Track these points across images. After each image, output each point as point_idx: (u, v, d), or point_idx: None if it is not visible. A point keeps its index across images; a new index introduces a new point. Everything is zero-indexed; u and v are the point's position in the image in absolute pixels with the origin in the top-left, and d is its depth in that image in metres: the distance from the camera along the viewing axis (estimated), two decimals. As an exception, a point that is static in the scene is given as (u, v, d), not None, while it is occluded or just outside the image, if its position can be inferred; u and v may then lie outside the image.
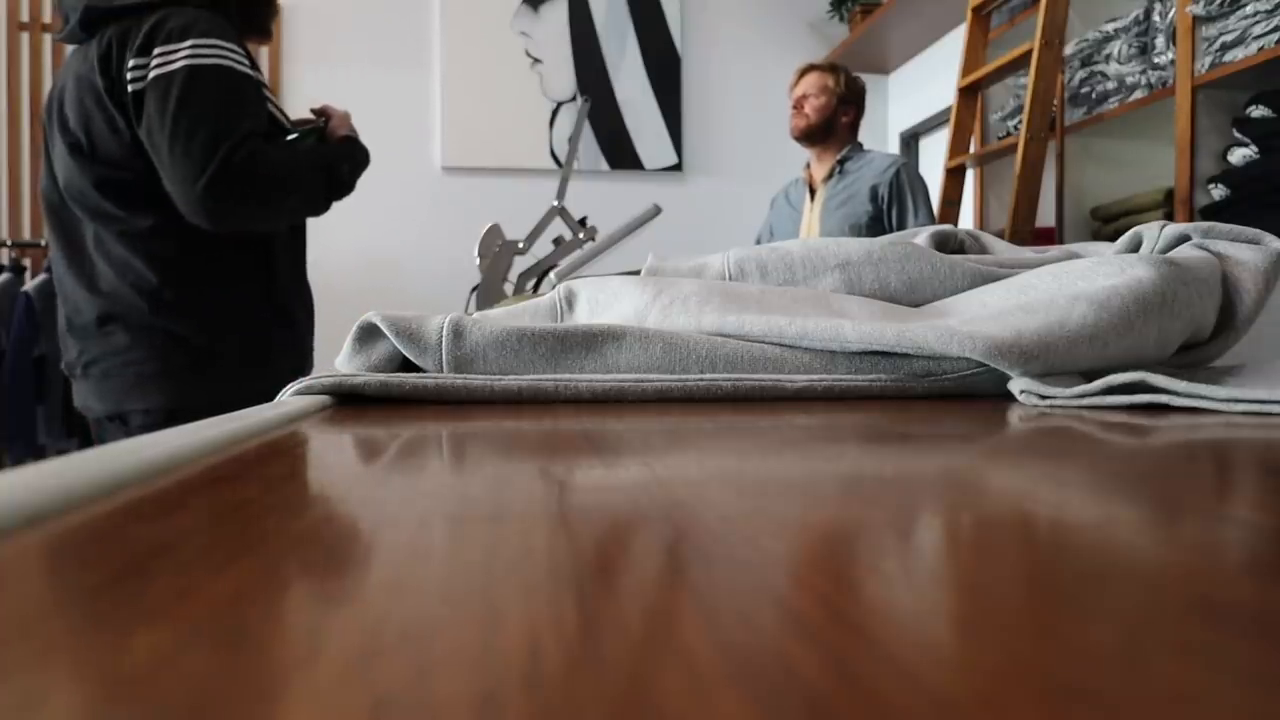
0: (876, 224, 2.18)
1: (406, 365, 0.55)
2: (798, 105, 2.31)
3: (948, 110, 2.67)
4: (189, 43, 1.28)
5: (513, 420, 0.40)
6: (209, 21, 1.31)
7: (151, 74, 1.27)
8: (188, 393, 1.34)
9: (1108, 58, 2.16)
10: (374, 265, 3.14)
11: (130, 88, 1.28)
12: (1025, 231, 2.04)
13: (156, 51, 1.27)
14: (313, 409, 0.43)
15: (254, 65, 1.37)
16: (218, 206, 1.27)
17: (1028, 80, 2.07)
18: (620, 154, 3.44)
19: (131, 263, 1.35)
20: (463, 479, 0.25)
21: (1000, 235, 2.06)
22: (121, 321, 1.36)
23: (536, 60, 3.40)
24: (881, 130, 3.61)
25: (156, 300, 1.35)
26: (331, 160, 1.44)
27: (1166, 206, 2.00)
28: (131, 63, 1.28)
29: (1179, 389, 0.42)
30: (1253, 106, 1.79)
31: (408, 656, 0.11)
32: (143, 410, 1.36)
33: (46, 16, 3.13)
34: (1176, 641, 0.11)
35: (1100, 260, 0.57)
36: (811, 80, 2.30)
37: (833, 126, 2.29)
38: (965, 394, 0.53)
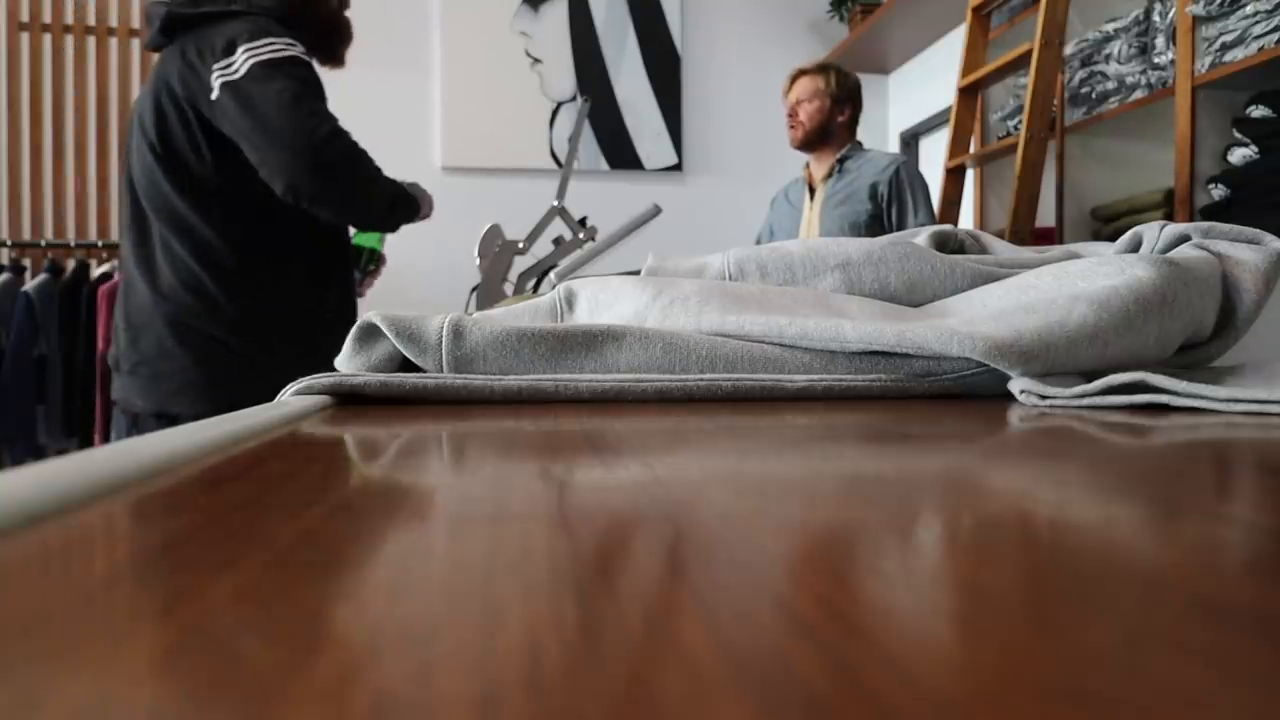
0: (876, 223, 2.18)
1: (406, 365, 0.55)
2: (792, 113, 2.30)
3: (948, 110, 2.67)
4: (270, 39, 1.35)
5: (513, 420, 0.40)
6: (275, 28, 1.39)
7: (244, 68, 1.33)
8: (234, 399, 1.38)
9: (1108, 58, 2.16)
10: (374, 265, 3.14)
11: (214, 91, 1.34)
12: (1025, 231, 2.04)
13: (242, 49, 1.33)
14: (313, 409, 0.43)
15: None
16: (324, 178, 1.33)
17: (1028, 80, 2.07)
18: (620, 154, 3.44)
19: (193, 268, 1.41)
20: (463, 479, 0.25)
21: (1000, 235, 2.06)
22: (176, 325, 1.41)
23: (536, 60, 3.40)
24: (881, 130, 3.61)
25: (212, 307, 1.41)
26: (399, 187, 1.51)
27: (1166, 206, 2.00)
28: (216, 67, 1.34)
29: (1179, 389, 0.42)
30: (1253, 106, 1.79)
31: (408, 656, 0.11)
32: (192, 415, 1.39)
33: (47, 16, 3.13)
34: (1176, 641, 0.11)
35: (1100, 260, 0.57)
36: (803, 85, 2.30)
37: (830, 128, 2.29)
38: (965, 394, 0.53)
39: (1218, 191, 1.84)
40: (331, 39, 1.57)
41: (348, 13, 1.61)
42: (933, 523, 0.19)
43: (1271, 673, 0.10)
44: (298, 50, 1.38)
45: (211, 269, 1.41)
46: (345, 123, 1.43)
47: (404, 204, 1.53)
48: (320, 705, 0.09)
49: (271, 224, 1.45)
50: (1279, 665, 0.10)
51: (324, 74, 1.46)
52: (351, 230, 1.63)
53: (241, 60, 1.33)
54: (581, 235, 2.12)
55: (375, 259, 1.79)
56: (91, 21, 3.16)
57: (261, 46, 1.34)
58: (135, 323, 1.44)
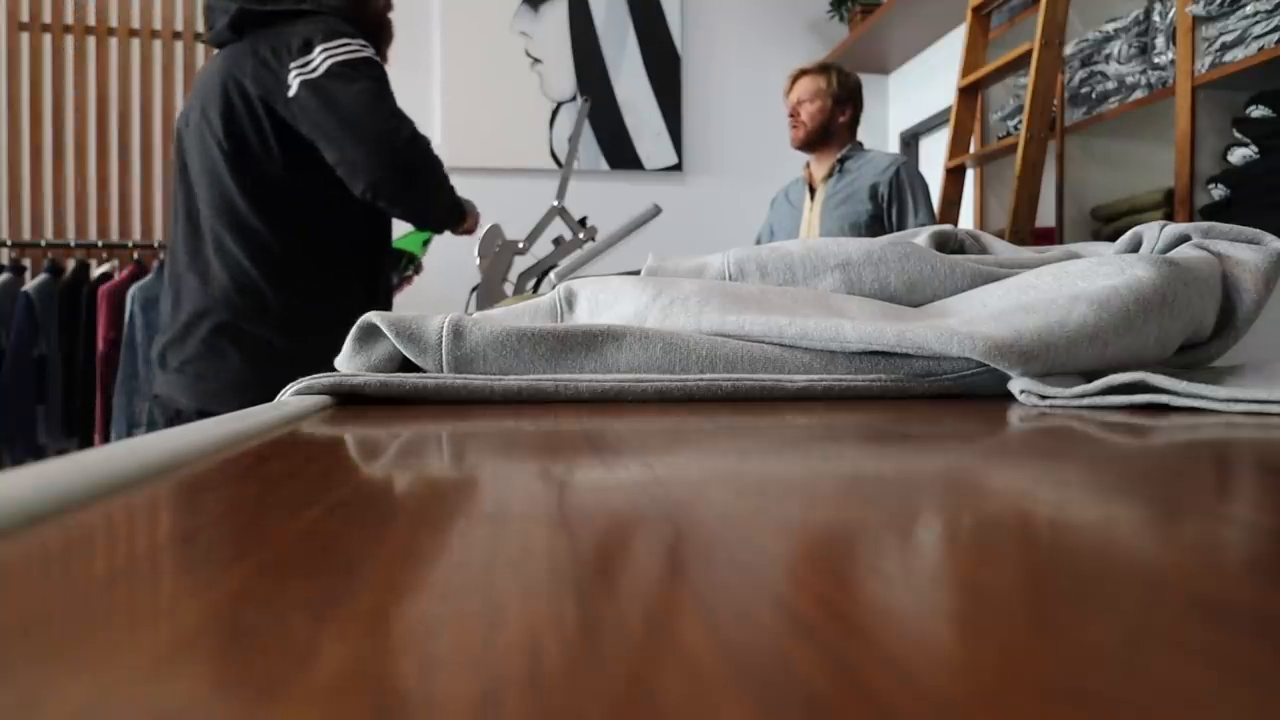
0: (876, 223, 2.18)
1: (406, 365, 0.55)
2: (793, 114, 2.30)
3: (948, 110, 2.66)
4: (345, 39, 1.38)
5: (513, 420, 0.40)
6: (346, 30, 1.41)
7: (322, 67, 1.35)
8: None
9: (1108, 58, 2.16)
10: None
11: (292, 89, 1.36)
12: (1025, 231, 2.04)
13: (320, 48, 1.36)
14: (313, 409, 0.43)
15: None
16: (405, 178, 1.38)
17: (1028, 80, 2.07)
18: (620, 154, 3.44)
19: (246, 268, 1.42)
20: (463, 479, 0.25)
21: (1000, 235, 2.06)
22: (225, 325, 1.42)
23: (536, 60, 3.40)
24: (881, 130, 3.61)
25: (262, 307, 1.42)
26: (456, 194, 1.57)
27: (1166, 206, 2.00)
28: (294, 65, 1.36)
29: (1179, 389, 0.42)
30: (1253, 106, 1.79)
31: (408, 656, 0.11)
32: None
33: (47, 16, 3.13)
34: (1176, 641, 0.11)
35: (1100, 260, 0.57)
36: (804, 85, 2.29)
37: (831, 129, 2.28)
38: (965, 394, 0.53)
39: (1218, 191, 1.84)
40: (379, 38, 1.58)
41: (390, 14, 1.63)
42: (933, 523, 0.19)
43: (1271, 673, 0.10)
44: (370, 51, 1.41)
45: (265, 268, 1.42)
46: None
47: (459, 211, 1.58)
48: (320, 705, 0.09)
49: (328, 226, 1.47)
50: (1279, 665, 0.10)
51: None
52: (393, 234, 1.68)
53: (320, 59, 1.35)
54: (581, 235, 2.11)
55: (413, 264, 1.84)
56: (91, 21, 3.16)
57: (338, 46, 1.37)
58: (184, 320, 1.45)
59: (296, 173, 1.42)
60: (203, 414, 1.41)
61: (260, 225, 1.42)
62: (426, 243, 1.89)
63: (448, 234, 1.73)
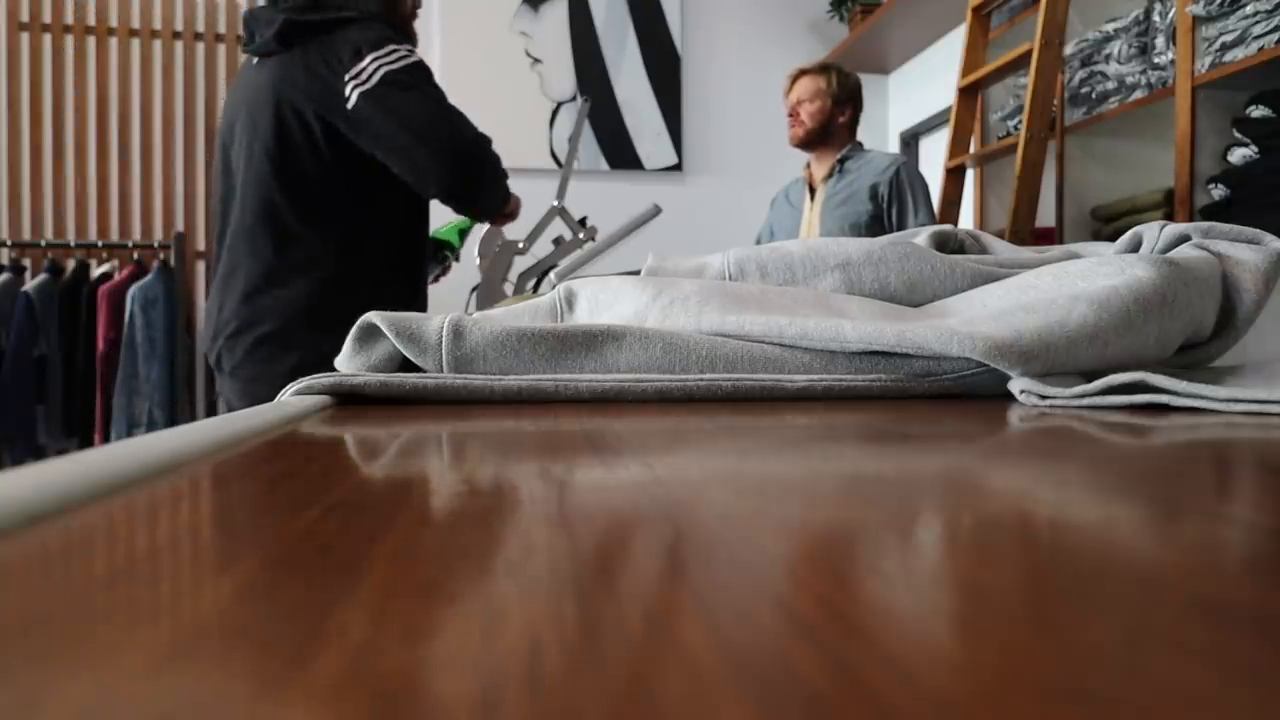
0: (876, 223, 2.18)
1: (406, 365, 0.55)
2: (793, 113, 2.30)
3: (948, 110, 2.66)
4: (393, 46, 1.38)
5: (513, 420, 0.40)
6: (393, 36, 1.42)
7: (376, 76, 1.36)
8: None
9: (1108, 58, 2.16)
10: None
11: (351, 100, 1.36)
12: (1025, 231, 2.04)
13: (370, 57, 1.36)
14: (313, 409, 0.43)
15: None
16: (476, 178, 1.44)
17: (1028, 80, 2.07)
18: (620, 154, 3.44)
19: (290, 276, 1.43)
20: (463, 479, 0.25)
21: (1000, 235, 2.06)
22: (270, 331, 1.43)
23: (536, 60, 3.40)
24: (881, 130, 3.61)
25: (307, 313, 1.43)
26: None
27: (1166, 206, 2.00)
28: (349, 77, 1.36)
29: (1179, 389, 0.42)
30: (1253, 106, 1.79)
31: (408, 656, 0.11)
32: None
33: (47, 16, 3.13)
34: (1176, 641, 0.11)
35: (1100, 260, 0.57)
36: (804, 85, 2.29)
37: (830, 128, 2.28)
38: (965, 394, 0.53)
39: (1218, 191, 1.84)
40: (409, 41, 1.60)
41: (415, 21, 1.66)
42: (933, 523, 0.19)
43: (1271, 673, 0.10)
44: (418, 55, 1.42)
45: (310, 276, 1.43)
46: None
47: (508, 199, 1.60)
48: (320, 705, 0.09)
49: (371, 231, 1.48)
50: (1279, 665, 0.10)
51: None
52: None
53: (371, 69, 1.36)
54: (581, 235, 2.11)
55: (453, 252, 1.88)
56: (91, 21, 3.16)
57: (387, 54, 1.37)
58: (233, 328, 1.46)
59: (344, 183, 1.43)
60: None
61: (304, 234, 1.44)
62: (464, 232, 1.91)
63: (434, 223, 1.75)
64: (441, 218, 1.77)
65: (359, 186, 1.44)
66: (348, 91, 1.36)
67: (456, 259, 1.94)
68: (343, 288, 1.44)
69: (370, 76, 1.36)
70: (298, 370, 1.39)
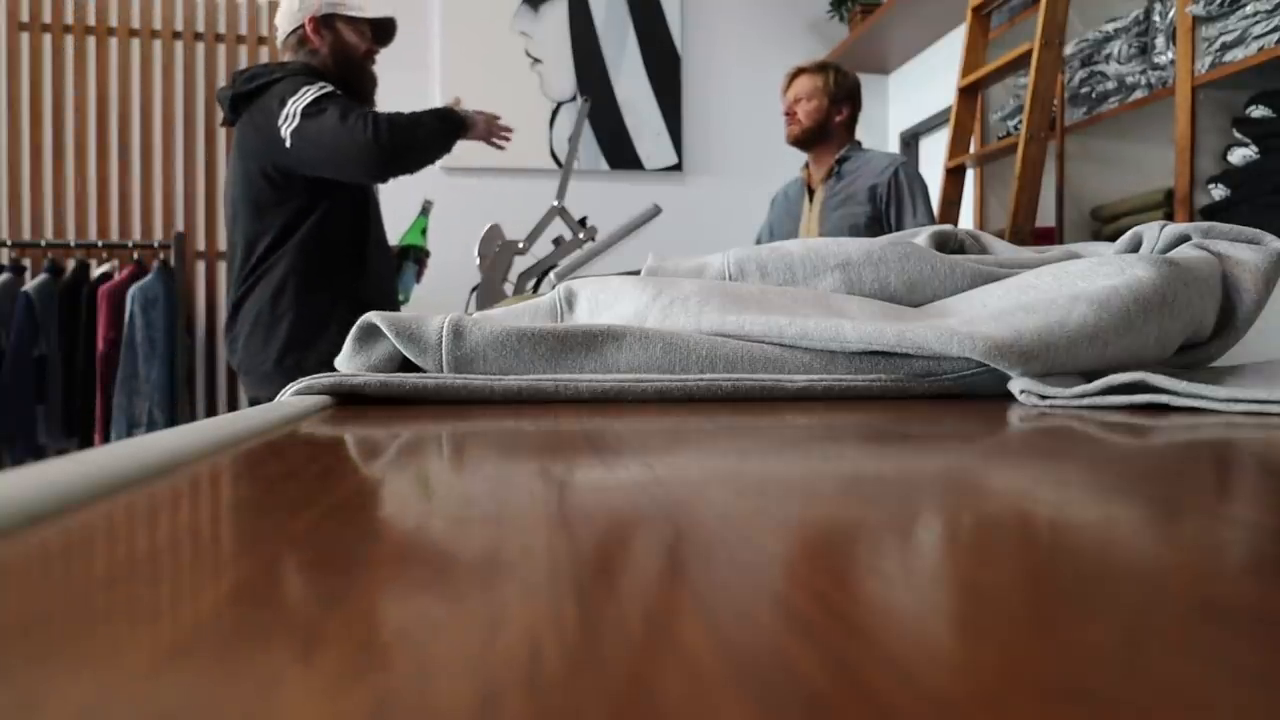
0: (875, 224, 2.17)
1: (406, 365, 0.55)
2: (790, 112, 2.29)
3: (948, 110, 2.66)
4: (304, 87, 1.73)
5: (513, 420, 0.40)
6: (309, 79, 1.77)
7: (296, 115, 1.70)
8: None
9: (1108, 58, 2.16)
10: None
11: (287, 141, 1.71)
12: (1025, 231, 2.04)
13: (290, 102, 1.71)
14: (313, 409, 0.43)
15: None
16: (391, 161, 1.70)
17: (1028, 80, 2.07)
18: (620, 154, 3.44)
19: (257, 288, 1.81)
20: (463, 479, 0.25)
21: (1000, 235, 2.06)
22: (255, 330, 1.82)
23: (536, 60, 3.40)
24: (881, 130, 3.60)
25: (273, 313, 1.80)
26: (432, 115, 1.83)
27: (1166, 206, 2.00)
28: (279, 124, 1.71)
29: (1179, 389, 0.42)
30: (1253, 106, 1.79)
31: (408, 656, 0.11)
32: (268, 398, 1.82)
33: (47, 16, 3.13)
34: (1176, 641, 0.11)
35: (1100, 260, 0.57)
36: (802, 84, 2.29)
37: (827, 128, 2.27)
38: (965, 394, 0.53)
39: (1218, 191, 1.84)
40: (365, 85, 1.91)
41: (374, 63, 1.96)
42: (933, 523, 0.19)
43: (1271, 673, 0.10)
44: (320, 88, 1.73)
45: (268, 286, 1.79)
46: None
47: (453, 129, 1.86)
48: (320, 705, 0.09)
49: (331, 255, 1.82)
50: (1279, 665, 0.10)
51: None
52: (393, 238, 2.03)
53: (291, 110, 1.71)
54: (581, 235, 2.11)
55: (422, 252, 2.11)
56: (91, 21, 3.16)
57: (299, 95, 1.71)
58: (232, 331, 1.87)
59: (299, 213, 1.77)
60: (257, 401, 1.90)
61: (264, 257, 1.80)
62: (424, 231, 2.12)
63: (445, 227, 2.00)
64: (396, 227, 2.04)
65: (313, 217, 1.78)
66: (283, 134, 1.70)
67: (428, 254, 2.13)
68: (292, 298, 1.78)
69: (292, 117, 1.70)
70: (270, 362, 1.79)
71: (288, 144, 1.71)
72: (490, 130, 1.95)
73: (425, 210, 2.16)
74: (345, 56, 1.87)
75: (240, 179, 1.81)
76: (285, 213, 1.78)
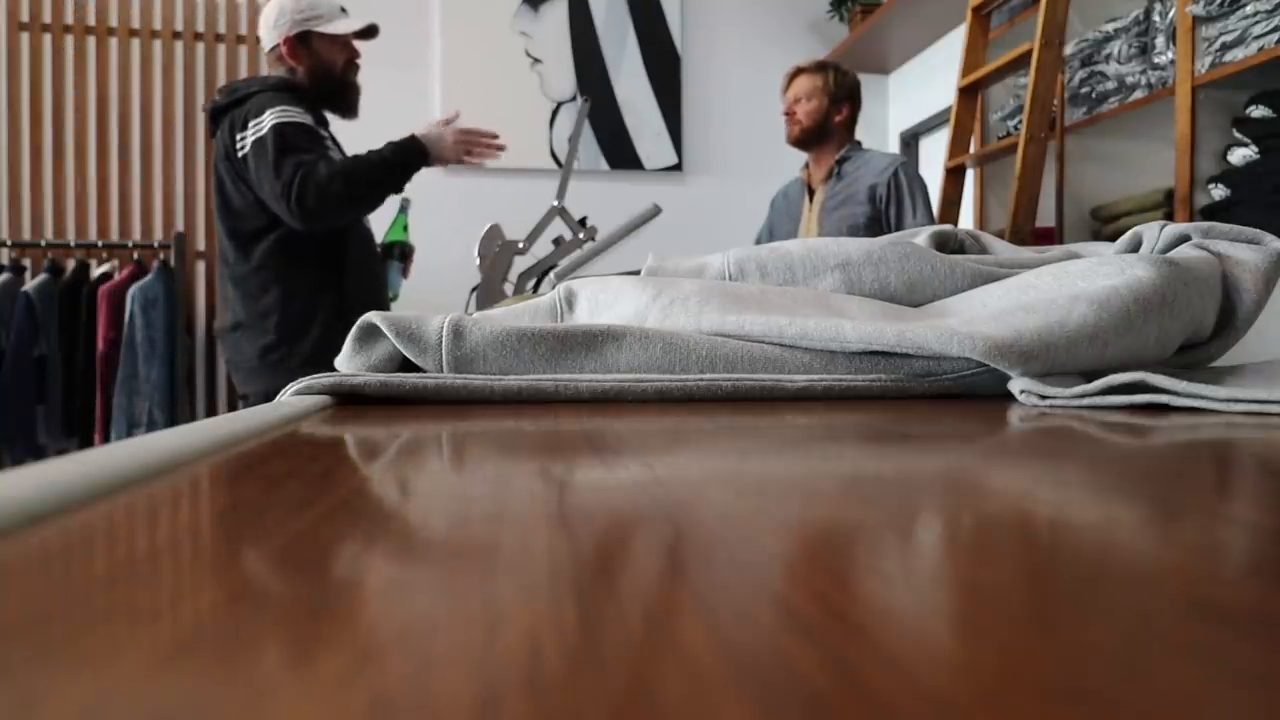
0: (875, 225, 2.17)
1: (406, 365, 0.55)
2: (790, 111, 2.29)
3: (948, 110, 2.67)
4: (261, 116, 1.76)
5: (513, 420, 0.40)
6: (280, 97, 1.81)
7: (250, 143, 1.77)
8: (278, 381, 1.82)
9: (1108, 58, 2.16)
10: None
11: (240, 156, 1.79)
12: (1025, 231, 2.04)
13: (252, 124, 1.77)
14: (313, 409, 0.43)
15: (319, 120, 1.89)
16: (310, 217, 1.74)
17: (1028, 80, 2.07)
18: (620, 154, 3.44)
19: (237, 291, 1.89)
20: (463, 479, 0.25)
21: (1000, 235, 2.06)
22: (241, 332, 1.88)
23: (536, 60, 3.40)
24: (881, 130, 3.61)
25: (253, 318, 1.87)
26: (375, 160, 1.84)
27: (1166, 206, 2.00)
28: (239, 136, 1.79)
29: (1179, 389, 0.42)
30: (1253, 106, 1.79)
31: (408, 656, 0.11)
32: (254, 394, 1.91)
33: (47, 16, 3.13)
34: (1176, 641, 0.11)
35: (1100, 260, 0.57)
36: (801, 83, 2.28)
37: (827, 127, 2.27)
38: (965, 394, 0.53)
39: (1218, 191, 1.84)
40: (346, 98, 1.94)
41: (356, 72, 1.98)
42: (933, 523, 0.19)
43: (1271, 673, 0.10)
44: (288, 115, 1.76)
45: (246, 291, 1.85)
46: (347, 123, 1.86)
47: (407, 166, 1.85)
48: (320, 705, 0.09)
49: (311, 252, 1.86)
50: (1279, 665, 0.10)
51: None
52: (379, 235, 2.07)
53: (252, 132, 1.76)
54: (581, 235, 2.11)
55: (406, 247, 2.16)
56: (91, 21, 3.16)
57: (260, 121, 1.75)
58: (223, 332, 1.94)
59: (265, 221, 1.82)
60: (244, 398, 1.95)
61: (240, 262, 1.87)
62: (405, 227, 2.16)
63: (445, 227, 2.00)
64: (378, 226, 2.06)
65: (284, 227, 1.81)
66: (239, 151, 1.77)
67: (413, 249, 2.18)
68: (271, 303, 1.85)
69: (247, 140, 1.77)
70: (253, 360, 1.86)
71: (242, 160, 1.78)
72: (467, 148, 1.94)
73: (404, 208, 2.18)
74: (324, 73, 1.90)
75: (218, 184, 1.88)
76: (265, 214, 1.81)
